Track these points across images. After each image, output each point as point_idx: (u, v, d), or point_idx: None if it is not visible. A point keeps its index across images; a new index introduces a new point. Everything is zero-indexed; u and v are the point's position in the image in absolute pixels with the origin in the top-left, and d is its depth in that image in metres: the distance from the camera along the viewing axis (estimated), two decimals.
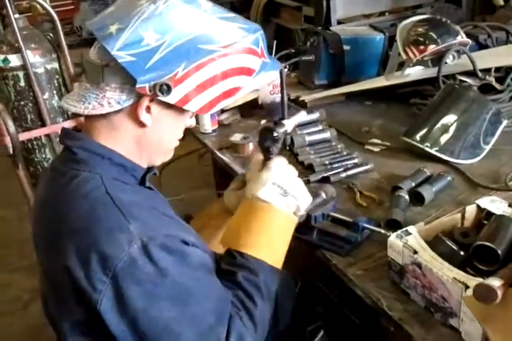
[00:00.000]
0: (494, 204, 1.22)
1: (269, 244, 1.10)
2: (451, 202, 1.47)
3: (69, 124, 1.99)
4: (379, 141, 1.85)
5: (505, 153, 1.71)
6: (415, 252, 1.07)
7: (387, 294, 1.15)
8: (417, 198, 1.46)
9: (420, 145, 1.67)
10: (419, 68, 2.09)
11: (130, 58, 0.95)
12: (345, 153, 1.72)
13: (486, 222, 1.21)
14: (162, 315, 0.91)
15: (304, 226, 1.30)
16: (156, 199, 1.10)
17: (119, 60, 0.94)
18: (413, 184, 1.50)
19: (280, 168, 1.17)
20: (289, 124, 1.25)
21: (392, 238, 1.12)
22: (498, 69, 2.00)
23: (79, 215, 0.95)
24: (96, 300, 0.90)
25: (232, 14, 1.07)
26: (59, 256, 0.94)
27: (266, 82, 1.10)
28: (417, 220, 1.37)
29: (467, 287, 0.96)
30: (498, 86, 1.95)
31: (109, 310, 0.90)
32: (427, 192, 1.46)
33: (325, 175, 1.60)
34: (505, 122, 1.74)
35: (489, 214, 1.22)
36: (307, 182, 1.58)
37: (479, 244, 1.08)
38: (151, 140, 1.06)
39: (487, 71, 1.99)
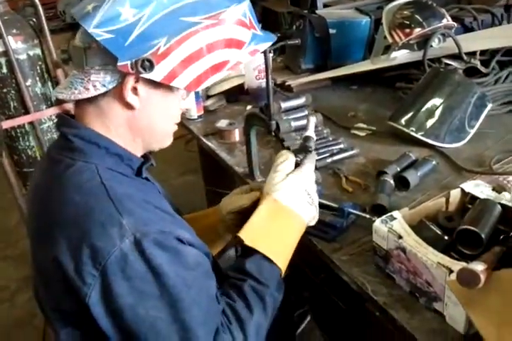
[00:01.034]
0: (478, 188, 1.23)
1: (287, 252, 1.10)
2: (436, 186, 1.47)
3: (53, 112, 1.97)
4: (365, 126, 1.85)
5: (490, 136, 1.72)
6: (400, 237, 1.07)
7: (372, 279, 1.15)
8: (402, 183, 1.47)
9: (405, 130, 1.68)
10: (404, 52, 2.08)
11: (108, 35, 0.92)
12: (330, 139, 1.72)
13: (470, 206, 1.21)
14: (149, 313, 0.89)
15: None
16: (151, 192, 1.08)
17: (98, 38, 0.92)
18: (398, 168, 1.51)
19: (311, 175, 1.16)
20: (312, 132, 1.27)
21: (377, 223, 1.13)
22: (483, 53, 2.00)
23: (72, 206, 0.93)
24: (85, 294, 0.88)
25: None
26: (49, 246, 0.93)
27: (258, 53, 1.06)
28: (402, 205, 1.38)
29: (451, 271, 0.97)
30: (483, 69, 1.95)
31: (96, 304, 0.89)
32: (412, 176, 1.46)
33: None
34: (489, 106, 1.75)
35: (473, 198, 1.22)
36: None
37: (463, 228, 1.08)
38: (143, 123, 1.03)
39: (472, 54, 1.98)
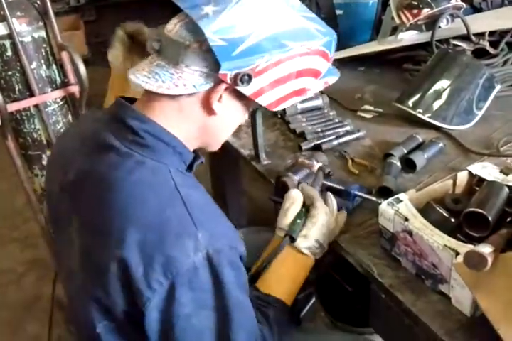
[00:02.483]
0: (486, 170, 1.22)
1: (295, 291, 1.18)
2: (443, 168, 1.46)
3: (58, 94, 1.96)
4: (371, 108, 1.83)
5: (498, 118, 1.70)
6: (406, 219, 1.07)
7: (378, 261, 1.15)
8: (408, 165, 1.46)
9: (412, 112, 1.66)
10: (412, 33, 2.05)
11: (221, 43, 0.94)
12: (337, 121, 1.71)
13: (477, 188, 1.21)
14: (201, 323, 0.92)
15: None
16: (203, 189, 1.07)
17: (211, 43, 0.93)
18: (405, 150, 1.50)
19: (323, 222, 1.19)
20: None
21: (384, 206, 1.12)
22: (492, 34, 1.97)
23: (149, 210, 0.92)
24: (147, 298, 0.89)
25: (313, 15, 1.08)
26: (113, 244, 0.91)
27: (325, 86, 1.17)
28: (409, 187, 1.37)
29: (457, 254, 0.97)
30: (491, 50, 1.92)
31: (155, 309, 0.90)
32: (419, 158, 1.45)
33: (317, 142, 1.58)
34: (498, 87, 1.73)
35: (481, 181, 1.21)
36: (299, 150, 1.58)
37: (470, 210, 1.08)
38: (214, 128, 1.07)
39: (481, 35, 1.95)
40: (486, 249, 0.88)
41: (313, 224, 1.18)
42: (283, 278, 1.17)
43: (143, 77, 1.00)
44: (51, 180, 1.15)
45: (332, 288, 1.42)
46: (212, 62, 0.96)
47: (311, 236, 1.17)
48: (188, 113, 1.02)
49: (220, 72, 0.95)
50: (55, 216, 1.12)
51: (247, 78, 0.97)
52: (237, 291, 0.95)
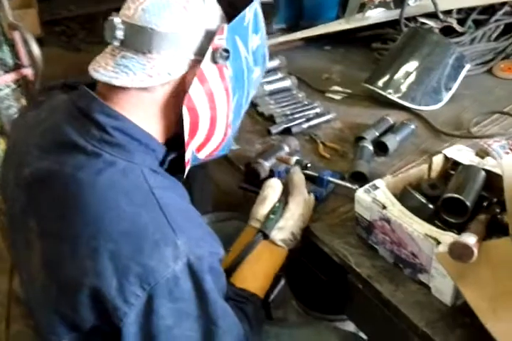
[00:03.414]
0: (461, 153, 1.19)
1: (268, 284, 1.14)
2: (415, 150, 1.44)
3: (10, 78, 1.85)
4: (340, 89, 1.78)
5: (467, 97, 1.68)
6: (384, 207, 1.03)
7: (354, 250, 1.12)
8: (380, 148, 1.42)
9: (383, 92, 1.62)
10: (380, 10, 2.00)
11: None
12: (306, 103, 1.66)
13: (452, 172, 1.18)
14: (184, 333, 0.86)
15: None
16: (181, 189, 1.00)
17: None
18: (377, 133, 1.46)
19: (301, 214, 1.15)
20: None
21: (360, 193, 1.08)
22: (459, 11, 1.94)
23: (120, 217, 0.84)
24: (123, 313, 0.82)
25: None
26: (83, 254, 0.83)
27: None
28: (382, 171, 1.35)
29: (439, 243, 0.93)
30: (459, 28, 1.89)
31: (133, 324, 0.83)
32: (391, 141, 1.42)
33: (286, 126, 1.53)
34: (467, 66, 1.70)
35: (456, 164, 1.18)
36: (268, 134, 1.52)
37: (448, 196, 1.05)
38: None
39: (448, 13, 1.92)
40: (471, 239, 0.85)
41: (291, 215, 1.14)
42: (258, 273, 1.12)
43: (109, 72, 0.90)
44: (7, 170, 1.05)
45: (304, 275, 1.38)
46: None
47: (288, 229, 1.13)
48: (161, 103, 0.94)
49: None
50: (10, 212, 1.03)
51: (225, 54, 0.91)
52: (219, 297, 0.90)
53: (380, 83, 1.63)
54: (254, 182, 1.29)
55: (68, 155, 0.90)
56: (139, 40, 0.89)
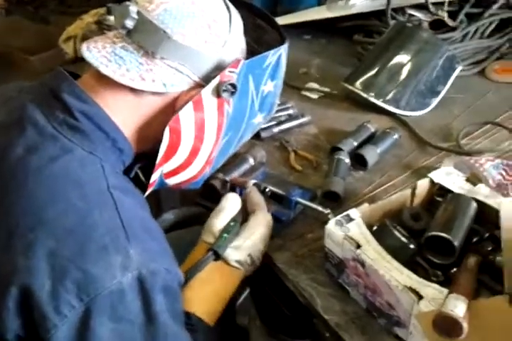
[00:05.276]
0: (450, 178, 1.04)
1: (220, 308, 0.96)
2: (398, 164, 1.28)
3: None
4: (317, 86, 1.61)
5: (457, 103, 1.52)
6: (358, 246, 0.88)
7: (322, 289, 0.96)
8: (359, 161, 1.27)
9: (363, 95, 1.45)
10: None
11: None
12: (279, 102, 1.48)
13: (439, 199, 1.03)
14: None
15: None
16: (140, 196, 0.87)
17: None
18: (355, 144, 1.30)
19: (262, 235, 1.00)
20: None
21: (331, 225, 0.92)
22: (451, 3, 1.77)
23: (68, 211, 0.73)
24: (53, 325, 0.67)
25: None
26: (17, 248, 0.71)
27: None
28: (359, 188, 1.20)
29: (420, 297, 0.78)
30: (450, 22, 1.72)
31: (61, 340, 0.68)
32: (371, 154, 1.26)
33: None
34: (459, 68, 1.54)
35: (443, 189, 1.03)
36: None
37: (433, 234, 0.89)
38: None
39: (440, 4, 1.75)
40: (459, 309, 0.69)
41: (250, 234, 0.98)
42: (207, 295, 0.96)
43: (102, 57, 0.82)
44: None
45: (268, 302, 1.24)
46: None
47: (245, 249, 0.97)
48: (145, 113, 0.86)
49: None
50: None
51: (231, 89, 0.85)
52: (172, 322, 0.75)
53: (361, 83, 1.46)
54: (213, 198, 1.13)
55: (23, 134, 0.79)
56: (147, 37, 0.82)
